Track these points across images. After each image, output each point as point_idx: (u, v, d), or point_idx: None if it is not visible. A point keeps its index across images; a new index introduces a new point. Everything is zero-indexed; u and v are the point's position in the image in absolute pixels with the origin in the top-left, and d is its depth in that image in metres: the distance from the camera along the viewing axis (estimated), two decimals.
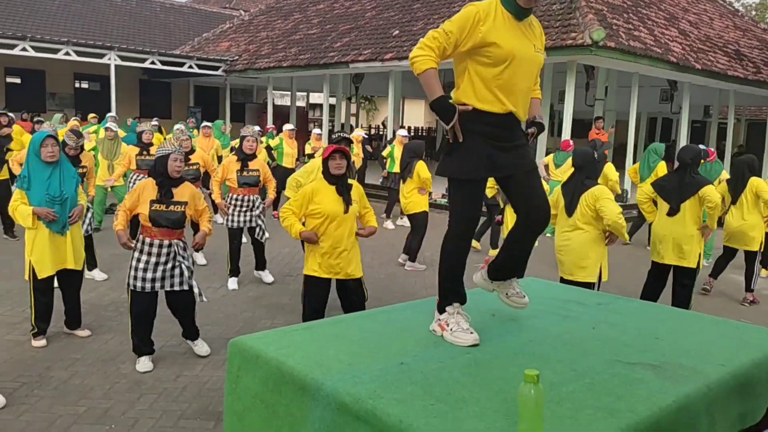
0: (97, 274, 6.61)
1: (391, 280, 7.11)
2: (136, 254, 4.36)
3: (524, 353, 2.44)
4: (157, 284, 4.37)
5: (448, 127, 2.54)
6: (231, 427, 2.55)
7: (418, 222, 7.73)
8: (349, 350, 2.48)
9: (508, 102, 2.54)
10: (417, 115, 32.96)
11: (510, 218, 6.04)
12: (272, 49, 17.85)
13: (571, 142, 10.21)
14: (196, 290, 4.53)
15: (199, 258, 7.37)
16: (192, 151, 7.43)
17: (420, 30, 13.88)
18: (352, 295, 4.59)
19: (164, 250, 4.37)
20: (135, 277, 4.33)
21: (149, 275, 4.32)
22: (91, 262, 6.51)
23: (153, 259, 4.34)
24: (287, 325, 2.95)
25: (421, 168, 7.63)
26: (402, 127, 16.42)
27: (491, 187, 6.62)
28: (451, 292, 2.65)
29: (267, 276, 6.85)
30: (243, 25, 21.76)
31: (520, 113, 2.61)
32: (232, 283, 6.59)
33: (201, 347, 4.68)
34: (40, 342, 4.77)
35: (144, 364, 4.40)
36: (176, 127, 10.42)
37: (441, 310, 2.65)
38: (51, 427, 3.56)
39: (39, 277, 4.70)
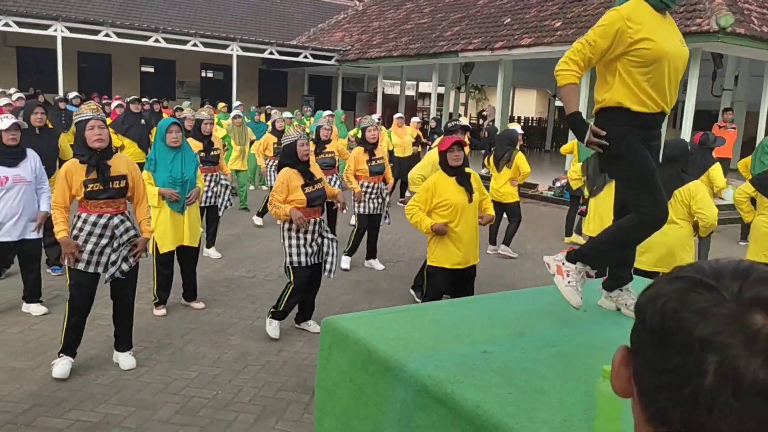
0: (213, 253, 7.11)
1: (489, 270, 7.10)
2: (293, 233, 4.70)
3: (611, 348, 2.41)
4: (313, 258, 4.76)
5: (584, 143, 2.56)
6: (321, 401, 2.71)
7: (515, 210, 7.77)
8: (435, 335, 2.56)
9: (660, 100, 2.52)
10: (528, 104, 32.21)
11: (593, 210, 5.84)
12: (383, 39, 18.12)
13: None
14: (332, 266, 4.87)
15: None
16: (328, 140, 7.75)
17: (532, 18, 13.55)
18: (470, 281, 4.72)
19: (316, 228, 4.76)
20: (298, 254, 4.69)
21: (309, 250, 4.71)
22: (210, 241, 7.02)
23: (309, 237, 4.71)
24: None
25: (521, 161, 7.54)
26: (512, 120, 16.14)
27: (576, 179, 6.42)
28: (599, 256, 2.62)
29: (377, 264, 7.07)
30: (356, 15, 22.22)
31: (668, 109, 2.60)
32: (345, 262, 6.85)
33: (314, 327, 4.91)
34: (161, 311, 5.23)
35: (275, 328, 4.79)
36: (285, 115, 10.93)
37: (572, 260, 2.63)
38: (166, 389, 3.92)
39: (161, 252, 5.16)
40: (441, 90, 19.57)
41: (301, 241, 4.70)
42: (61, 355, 4.04)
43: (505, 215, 7.85)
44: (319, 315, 5.30)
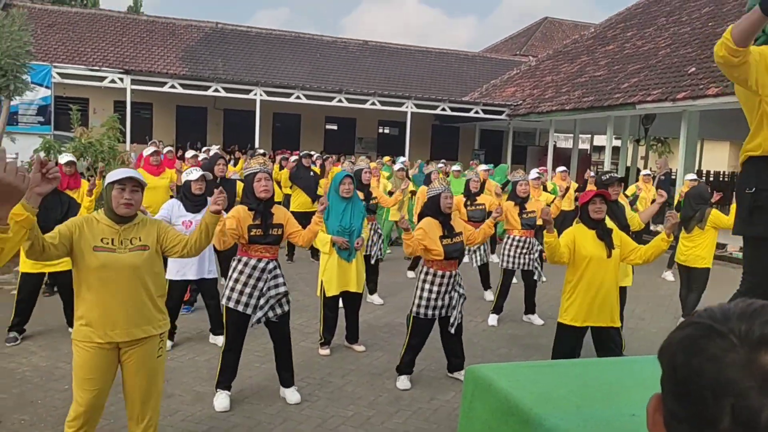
0: (376, 299, 7.43)
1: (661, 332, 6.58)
2: (427, 285, 4.80)
3: None
4: (441, 311, 4.80)
5: None
6: None
7: (703, 278, 7.03)
8: (580, 392, 2.48)
9: None
10: (719, 157, 29.59)
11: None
12: (556, 93, 17.93)
13: None
14: (455, 320, 4.86)
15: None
16: (479, 192, 7.88)
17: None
18: (610, 342, 4.44)
19: (450, 281, 4.82)
20: (426, 306, 4.78)
21: (439, 303, 4.78)
22: (372, 287, 7.36)
23: (442, 289, 4.76)
24: None
25: (718, 218, 6.92)
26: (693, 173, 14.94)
27: None
28: None
29: (536, 319, 6.92)
30: (529, 70, 22.27)
31: None
32: (493, 319, 6.80)
33: (460, 375, 4.97)
34: (325, 351, 5.58)
35: (404, 382, 4.85)
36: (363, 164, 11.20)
37: None
38: (324, 424, 4.16)
39: (327, 295, 5.53)
40: (617, 143, 18.77)
41: (433, 294, 4.73)
42: (218, 390, 4.38)
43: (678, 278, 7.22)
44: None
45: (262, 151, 14.90)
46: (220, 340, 5.67)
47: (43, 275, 5.84)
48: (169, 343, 5.21)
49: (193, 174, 5.65)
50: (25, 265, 5.62)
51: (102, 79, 17.14)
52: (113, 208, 3.01)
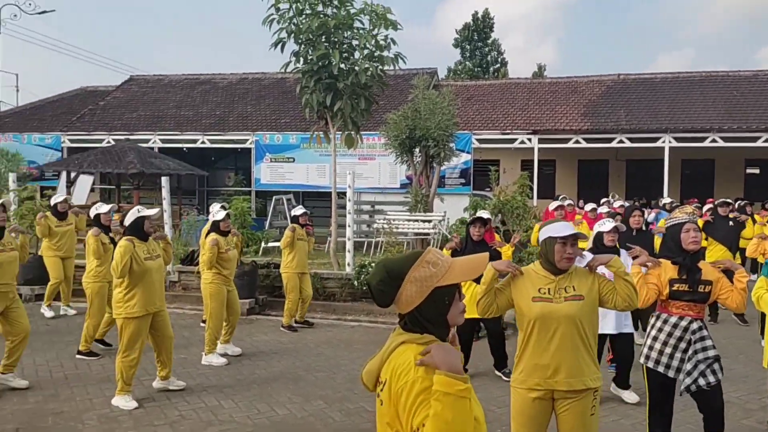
0: None
1: None
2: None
3: None
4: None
5: None
6: None
7: None
8: None
9: None
10: None
11: None
12: None
13: None
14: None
15: None
16: None
17: None
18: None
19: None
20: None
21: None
22: None
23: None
24: None
25: None
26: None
27: None
28: None
29: None
30: None
31: None
32: None
33: None
34: None
35: None
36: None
37: None
38: None
39: None
40: None
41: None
42: None
43: None
44: None
45: (669, 200, 14.01)
46: (625, 395, 5.51)
47: (477, 321, 6.45)
48: None
49: (605, 225, 5.67)
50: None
51: (512, 141, 18.69)
52: (554, 261, 3.22)
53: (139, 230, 5.53)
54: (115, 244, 6.72)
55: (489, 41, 39.17)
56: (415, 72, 19.28)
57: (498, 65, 39.14)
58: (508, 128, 19.55)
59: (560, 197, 14.20)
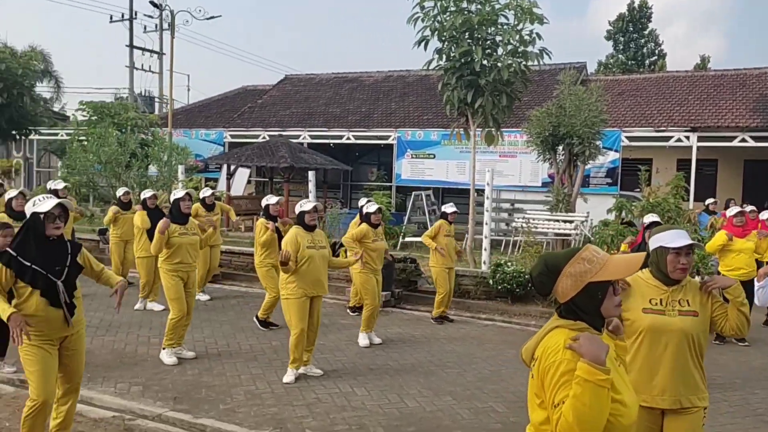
0: None
1: None
2: None
3: None
4: None
5: None
6: None
7: None
8: None
9: None
10: None
11: None
12: None
13: None
14: None
15: None
16: None
17: None
18: None
19: None
20: None
21: None
22: None
23: None
24: None
25: None
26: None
27: None
28: None
29: None
30: None
31: None
32: None
33: None
34: None
35: None
36: None
37: None
38: None
39: None
40: None
41: None
42: None
43: None
44: None
45: None
46: None
47: None
48: None
49: None
50: None
51: (667, 139, 17.46)
52: (668, 272, 3.01)
53: (301, 222, 6.19)
54: (279, 233, 7.79)
55: (645, 32, 36.71)
56: (562, 67, 18.63)
57: (655, 57, 36.58)
58: (663, 125, 18.29)
59: (711, 203, 13.13)
